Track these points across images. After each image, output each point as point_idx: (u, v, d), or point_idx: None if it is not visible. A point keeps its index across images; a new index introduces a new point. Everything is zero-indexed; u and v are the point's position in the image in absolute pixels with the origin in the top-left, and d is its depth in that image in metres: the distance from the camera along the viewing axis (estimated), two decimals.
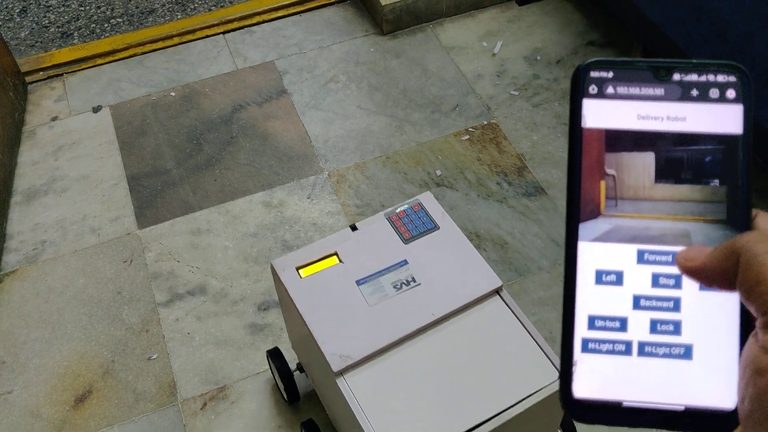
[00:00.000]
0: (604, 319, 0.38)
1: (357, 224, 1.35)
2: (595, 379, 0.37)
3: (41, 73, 2.37)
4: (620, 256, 0.38)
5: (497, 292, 1.27)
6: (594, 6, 2.42)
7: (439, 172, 2.01)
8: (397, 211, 1.37)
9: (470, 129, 2.12)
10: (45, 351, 1.71)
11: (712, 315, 0.37)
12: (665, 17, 1.94)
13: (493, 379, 1.18)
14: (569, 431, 1.45)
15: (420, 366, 1.20)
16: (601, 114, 0.39)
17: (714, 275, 0.35)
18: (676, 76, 0.39)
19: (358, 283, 1.27)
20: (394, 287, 1.26)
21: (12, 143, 2.10)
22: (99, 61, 2.39)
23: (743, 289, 0.34)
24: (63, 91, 2.31)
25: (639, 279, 0.38)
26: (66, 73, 2.36)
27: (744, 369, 0.35)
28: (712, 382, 0.37)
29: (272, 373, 1.61)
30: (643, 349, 0.37)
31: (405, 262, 1.29)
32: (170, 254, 1.87)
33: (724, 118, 0.38)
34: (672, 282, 0.38)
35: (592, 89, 0.39)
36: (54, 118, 2.23)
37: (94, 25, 2.57)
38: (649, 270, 0.38)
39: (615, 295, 0.38)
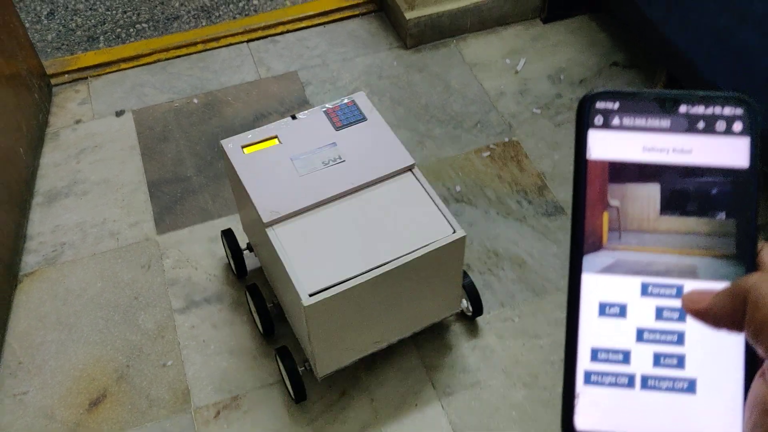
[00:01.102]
0: (606, 351, 0.38)
1: (297, 114, 1.59)
2: (598, 411, 0.37)
3: (66, 75, 2.39)
4: (624, 288, 0.38)
5: (410, 169, 1.50)
6: (620, 27, 2.42)
7: (458, 188, 2.01)
8: (333, 105, 1.61)
9: (491, 146, 2.12)
10: (61, 353, 1.71)
11: (717, 349, 0.37)
12: (692, 46, 1.93)
13: (400, 233, 1.42)
14: (470, 290, 1.65)
15: (338, 222, 1.43)
16: (606, 145, 0.39)
17: (721, 317, 0.35)
18: (683, 108, 0.38)
19: (292, 158, 1.50)
20: (323, 163, 1.49)
21: (35, 144, 2.12)
22: (123, 65, 2.41)
23: (751, 330, 0.33)
24: (87, 95, 2.33)
25: (643, 312, 0.38)
26: (90, 76, 2.38)
27: (751, 409, 0.34)
28: (716, 417, 0.36)
29: (225, 251, 1.83)
30: (646, 383, 0.37)
31: (334, 144, 1.52)
32: (188, 261, 1.88)
33: (730, 151, 0.38)
34: (676, 315, 0.37)
35: (598, 120, 0.39)
36: (77, 121, 2.25)
37: (119, 29, 2.60)
38: (653, 303, 0.38)
39: (618, 327, 0.38)
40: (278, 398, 1.62)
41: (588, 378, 0.38)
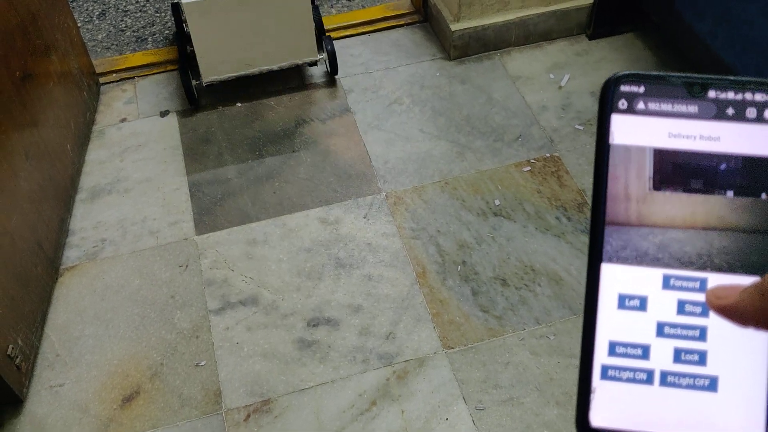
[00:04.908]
0: (625, 345, 0.36)
1: None
2: (614, 407, 0.36)
3: (114, 75, 2.43)
4: (645, 280, 0.36)
5: None
6: (666, 45, 2.39)
7: (497, 202, 1.99)
8: None
9: (532, 160, 2.10)
10: (97, 348, 1.74)
11: (741, 346, 0.35)
12: (741, 61, 1.90)
13: None
14: (331, 54, 2.25)
15: None
16: (630, 130, 0.37)
17: (747, 314, 0.33)
18: (711, 94, 0.37)
19: None
20: None
21: (82, 142, 2.16)
22: (170, 67, 2.45)
23: None
24: (133, 94, 2.37)
25: (664, 305, 0.36)
26: (137, 76, 2.42)
27: None
28: (738, 416, 0.35)
29: (175, 23, 2.36)
30: (666, 379, 0.36)
31: None
32: (225, 262, 1.89)
33: (761, 140, 0.36)
34: (698, 310, 0.36)
35: (622, 104, 0.37)
36: (123, 120, 2.29)
37: (167, 31, 2.64)
38: (674, 296, 0.36)
39: (638, 321, 0.36)
40: (309, 404, 1.62)
41: (605, 373, 0.36)
